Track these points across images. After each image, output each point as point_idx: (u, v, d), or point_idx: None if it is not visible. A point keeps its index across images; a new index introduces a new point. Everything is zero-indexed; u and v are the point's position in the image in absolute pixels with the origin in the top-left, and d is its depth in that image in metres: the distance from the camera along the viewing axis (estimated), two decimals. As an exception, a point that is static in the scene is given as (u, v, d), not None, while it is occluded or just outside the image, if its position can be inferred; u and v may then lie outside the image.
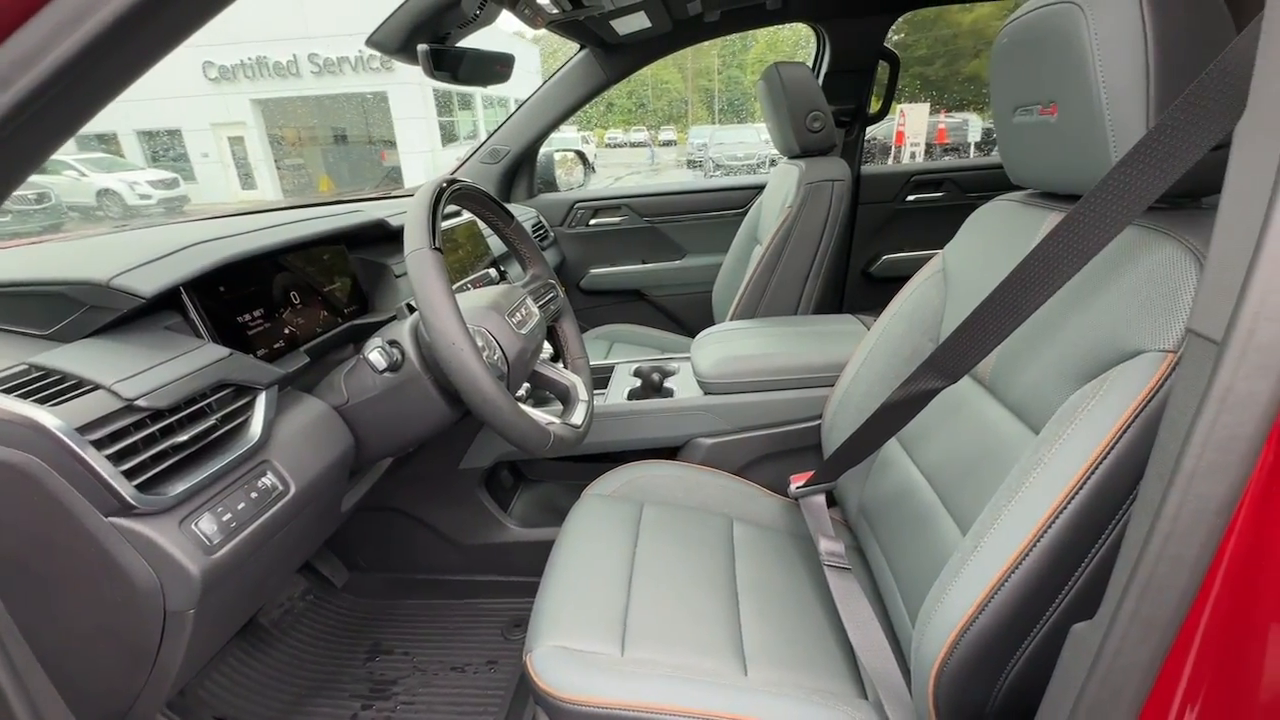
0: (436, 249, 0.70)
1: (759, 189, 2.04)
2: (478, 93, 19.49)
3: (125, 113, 16.50)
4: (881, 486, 1.00)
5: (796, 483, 1.09)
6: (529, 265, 1.03)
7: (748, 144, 16.58)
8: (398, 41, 1.15)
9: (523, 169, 2.12)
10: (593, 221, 2.19)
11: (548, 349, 1.16)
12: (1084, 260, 0.59)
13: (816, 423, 1.22)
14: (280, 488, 0.72)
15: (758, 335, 1.33)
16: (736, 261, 1.86)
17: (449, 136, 17.85)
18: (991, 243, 0.87)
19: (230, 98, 16.76)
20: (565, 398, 0.95)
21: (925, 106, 13.52)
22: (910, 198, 2.09)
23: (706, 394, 1.25)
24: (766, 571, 0.99)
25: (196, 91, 16.44)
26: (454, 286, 1.07)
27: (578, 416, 0.88)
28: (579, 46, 1.84)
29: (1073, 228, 0.59)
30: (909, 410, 0.82)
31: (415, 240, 0.69)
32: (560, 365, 1.03)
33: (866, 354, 1.06)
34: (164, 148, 17.36)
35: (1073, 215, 0.58)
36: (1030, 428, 0.71)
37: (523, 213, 2.01)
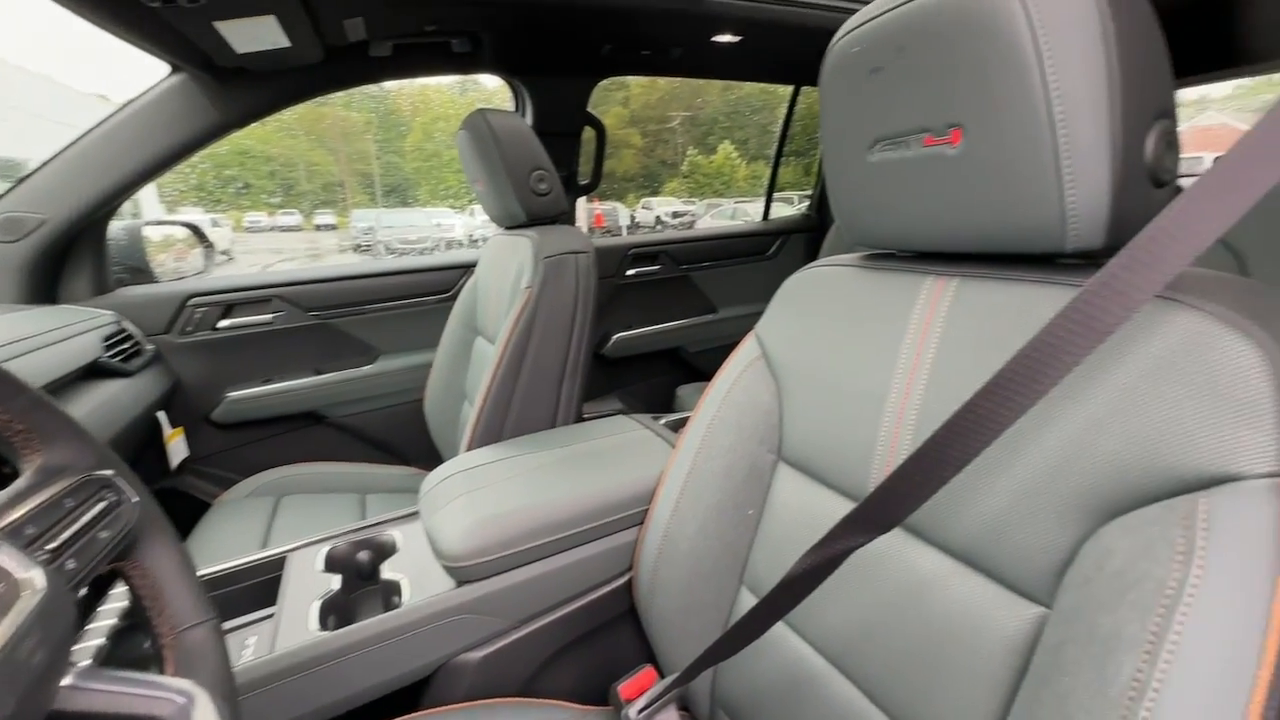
0: None
1: (468, 268, 1.67)
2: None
3: None
4: (755, 669, 0.69)
5: (629, 697, 0.71)
6: (31, 448, 0.44)
7: (419, 227, 16.22)
8: None
9: (82, 250, 1.33)
10: (224, 323, 1.50)
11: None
12: (1096, 342, 0.39)
13: (625, 579, 0.87)
14: None
15: (517, 471, 0.92)
16: (453, 360, 1.43)
17: None
18: (839, 320, 0.66)
19: None
20: None
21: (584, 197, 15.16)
22: (630, 271, 1.97)
23: (461, 583, 0.78)
24: None
25: None
26: None
27: None
28: (170, 69, 1.23)
29: (1103, 297, 0.38)
30: (816, 579, 0.54)
31: None
32: (148, 671, 0.46)
33: (685, 478, 0.77)
34: None
35: (1107, 279, 0.38)
36: (1006, 586, 0.48)
37: (87, 317, 1.23)
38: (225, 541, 1.14)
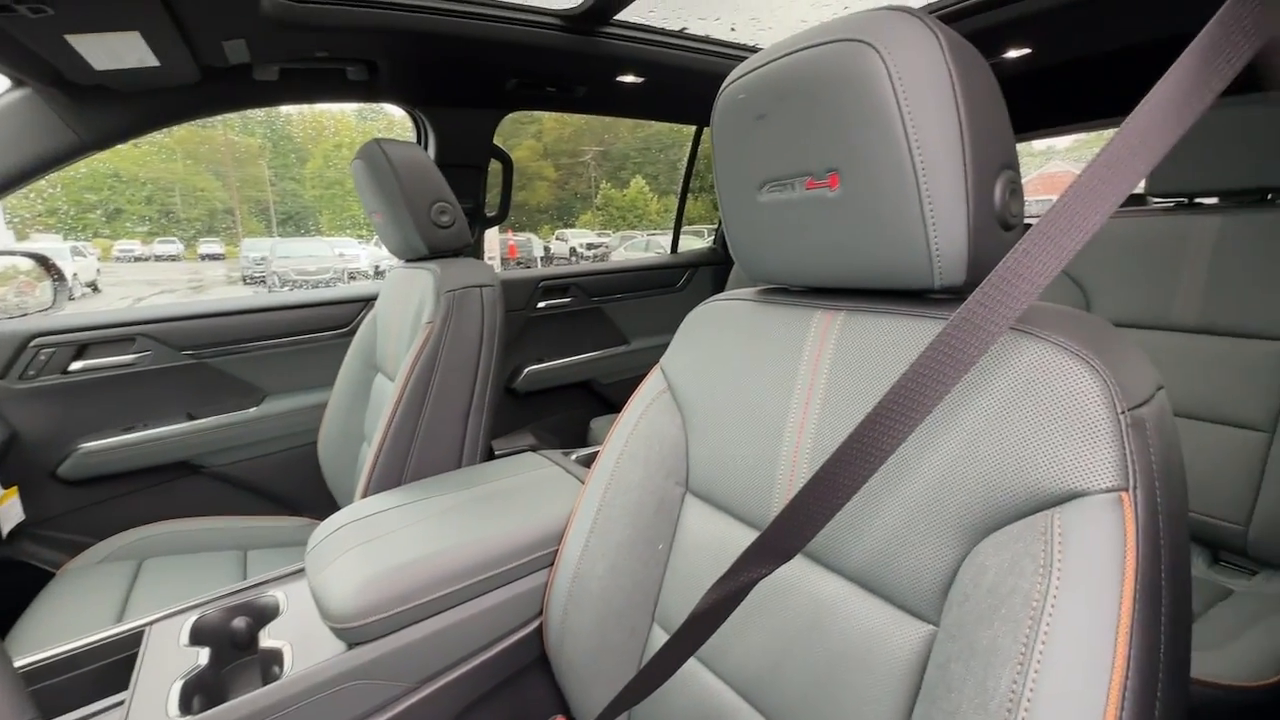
0: None
1: (368, 301, 1.59)
2: None
3: None
4: (668, 709, 0.68)
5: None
6: None
7: (319, 257, 15.29)
8: None
9: (-109, 284, 1.15)
10: (77, 365, 1.33)
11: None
12: (961, 373, 0.42)
13: (535, 625, 0.83)
14: None
15: (417, 517, 0.87)
16: (350, 399, 1.35)
17: None
18: (738, 353, 0.68)
19: None
20: None
21: (495, 227, 15.02)
22: (541, 304, 1.95)
23: (352, 646, 0.72)
24: None
25: None
26: None
27: None
28: (13, 83, 1.10)
29: (964, 331, 0.41)
30: (723, 612, 0.54)
31: None
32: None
33: (595, 515, 0.75)
34: None
35: (967, 315, 0.41)
36: (899, 607, 0.50)
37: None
38: (69, 618, 0.99)
